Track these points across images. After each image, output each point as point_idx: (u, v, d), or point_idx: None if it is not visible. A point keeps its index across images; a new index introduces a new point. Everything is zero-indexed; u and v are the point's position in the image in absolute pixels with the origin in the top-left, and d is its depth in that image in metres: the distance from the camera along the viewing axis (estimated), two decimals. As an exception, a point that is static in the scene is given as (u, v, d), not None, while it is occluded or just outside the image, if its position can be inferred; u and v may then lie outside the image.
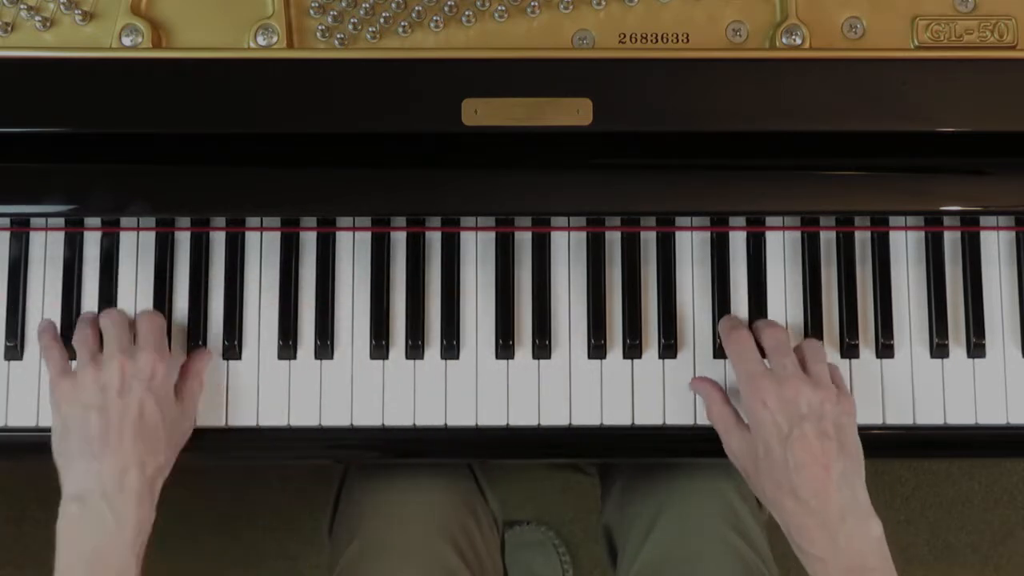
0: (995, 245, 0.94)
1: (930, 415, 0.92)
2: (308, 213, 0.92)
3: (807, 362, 0.87)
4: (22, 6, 0.87)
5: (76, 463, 0.83)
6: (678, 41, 0.89)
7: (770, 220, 0.94)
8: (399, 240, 0.94)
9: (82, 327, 0.90)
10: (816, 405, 0.83)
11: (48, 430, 0.90)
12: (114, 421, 0.83)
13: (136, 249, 0.94)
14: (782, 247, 0.94)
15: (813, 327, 0.93)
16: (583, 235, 0.94)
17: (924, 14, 0.89)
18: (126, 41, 0.88)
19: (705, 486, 1.04)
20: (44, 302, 0.93)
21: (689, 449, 0.95)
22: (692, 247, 0.94)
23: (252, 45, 0.88)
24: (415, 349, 0.92)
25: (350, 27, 0.89)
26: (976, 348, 0.93)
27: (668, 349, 0.93)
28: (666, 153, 0.89)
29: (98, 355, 0.87)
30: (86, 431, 0.83)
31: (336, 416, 0.92)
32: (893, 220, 0.94)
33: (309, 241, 0.94)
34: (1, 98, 0.86)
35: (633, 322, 0.92)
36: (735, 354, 0.88)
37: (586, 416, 0.92)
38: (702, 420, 0.92)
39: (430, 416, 0.92)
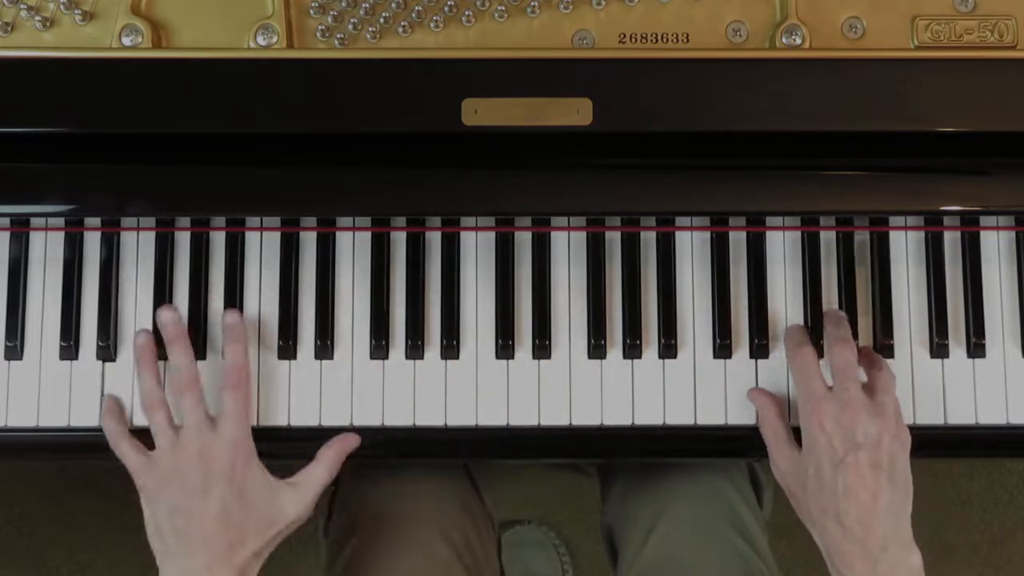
0: (995, 245, 0.94)
1: (930, 415, 0.92)
2: (308, 213, 0.92)
3: (875, 390, 0.86)
4: (22, 6, 0.87)
5: (168, 558, 0.84)
6: (678, 41, 0.89)
7: (770, 220, 0.94)
8: (399, 240, 0.94)
9: (155, 409, 0.87)
10: (874, 435, 0.82)
11: (48, 430, 0.91)
12: (197, 521, 0.83)
13: (136, 249, 0.94)
14: (782, 247, 0.94)
15: (813, 327, 0.92)
16: (583, 235, 0.94)
17: (924, 14, 0.89)
18: (126, 41, 0.88)
19: (706, 486, 1.04)
20: (44, 302, 0.93)
21: (689, 449, 0.95)
22: (692, 247, 0.94)
23: (252, 45, 0.88)
24: (415, 349, 0.92)
25: (350, 27, 0.89)
26: (976, 348, 0.93)
27: (668, 349, 0.93)
28: (666, 153, 0.89)
29: (176, 443, 0.86)
30: (173, 531, 0.84)
31: (336, 416, 0.92)
32: (893, 220, 0.94)
33: (309, 241, 0.94)
34: (1, 98, 0.86)
35: (633, 322, 0.92)
36: (798, 371, 0.87)
37: (586, 416, 0.92)
38: (702, 420, 0.92)
39: (430, 416, 0.92)
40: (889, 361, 0.92)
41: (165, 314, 0.90)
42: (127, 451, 0.87)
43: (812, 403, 0.84)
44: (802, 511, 0.85)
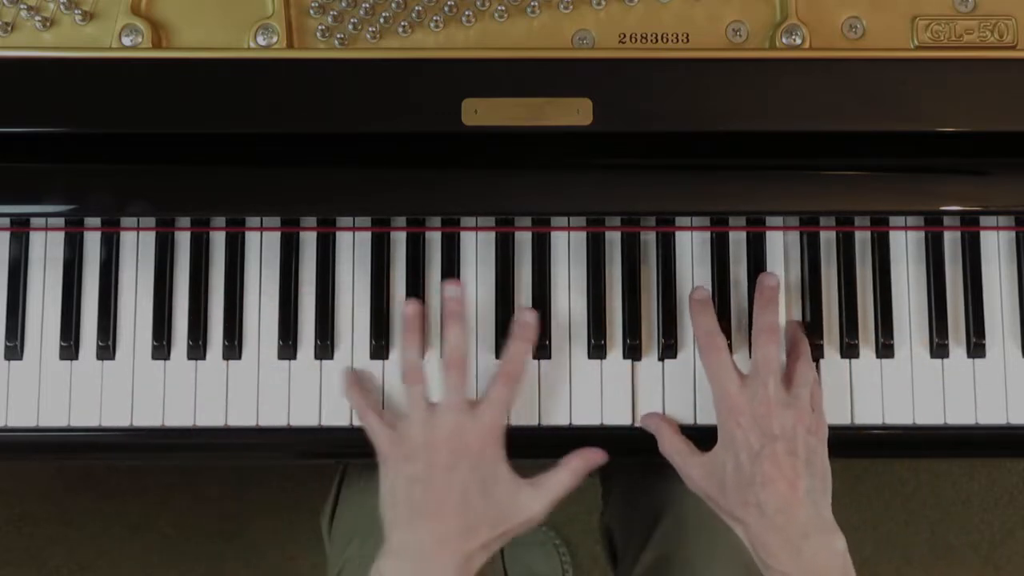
0: (995, 245, 0.94)
1: (930, 415, 0.92)
2: (308, 213, 0.92)
3: (792, 383, 0.86)
4: (22, 6, 0.88)
5: (399, 525, 0.84)
6: (678, 41, 0.89)
7: (770, 220, 0.94)
8: (399, 240, 0.94)
9: (415, 382, 0.88)
10: (788, 428, 0.83)
11: (48, 430, 0.91)
12: (435, 495, 0.83)
13: (136, 249, 0.94)
14: (782, 247, 0.94)
15: (813, 327, 0.93)
16: (583, 235, 0.94)
17: (924, 14, 0.89)
18: (126, 41, 0.88)
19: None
20: (44, 302, 0.93)
21: (689, 449, 0.95)
22: (692, 247, 0.94)
23: (252, 45, 0.88)
24: (415, 349, 0.92)
25: (350, 27, 0.89)
26: (976, 348, 0.93)
27: (668, 349, 0.93)
28: (666, 153, 0.89)
29: (430, 419, 0.85)
30: (409, 500, 0.83)
31: (336, 416, 0.92)
32: (893, 220, 0.94)
33: (309, 241, 0.94)
34: (1, 98, 0.86)
35: (633, 322, 0.92)
36: (711, 367, 0.87)
37: (586, 416, 0.92)
38: (702, 420, 0.92)
39: (430, 416, 0.92)
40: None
41: (451, 288, 0.90)
42: (375, 424, 0.87)
43: (728, 400, 0.85)
44: (723, 511, 0.85)
